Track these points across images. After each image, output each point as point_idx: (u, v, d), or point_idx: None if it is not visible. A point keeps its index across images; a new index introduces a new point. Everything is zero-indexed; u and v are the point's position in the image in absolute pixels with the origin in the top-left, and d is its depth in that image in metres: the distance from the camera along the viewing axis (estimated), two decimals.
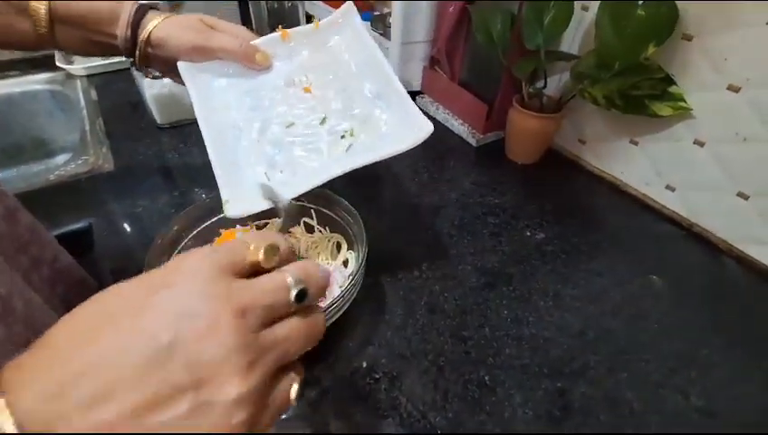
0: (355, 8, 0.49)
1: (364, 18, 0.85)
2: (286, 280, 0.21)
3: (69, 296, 0.43)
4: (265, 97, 0.46)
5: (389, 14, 0.80)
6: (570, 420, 0.38)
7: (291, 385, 0.22)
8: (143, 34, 0.43)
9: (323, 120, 0.45)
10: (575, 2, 0.59)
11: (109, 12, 0.43)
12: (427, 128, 0.43)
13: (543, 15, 0.58)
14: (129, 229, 0.54)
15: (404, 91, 0.46)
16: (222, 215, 0.47)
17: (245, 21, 1.09)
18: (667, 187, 0.59)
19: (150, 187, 0.61)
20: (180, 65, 0.44)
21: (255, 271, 0.22)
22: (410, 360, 0.42)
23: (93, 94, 0.81)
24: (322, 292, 0.24)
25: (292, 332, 0.21)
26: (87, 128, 0.72)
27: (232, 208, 0.40)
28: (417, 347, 0.43)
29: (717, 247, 0.56)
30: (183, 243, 0.44)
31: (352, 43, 0.49)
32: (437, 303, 0.47)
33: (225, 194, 0.41)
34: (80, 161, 0.65)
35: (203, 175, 0.63)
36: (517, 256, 0.53)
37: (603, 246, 0.56)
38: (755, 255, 0.53)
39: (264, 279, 0.21)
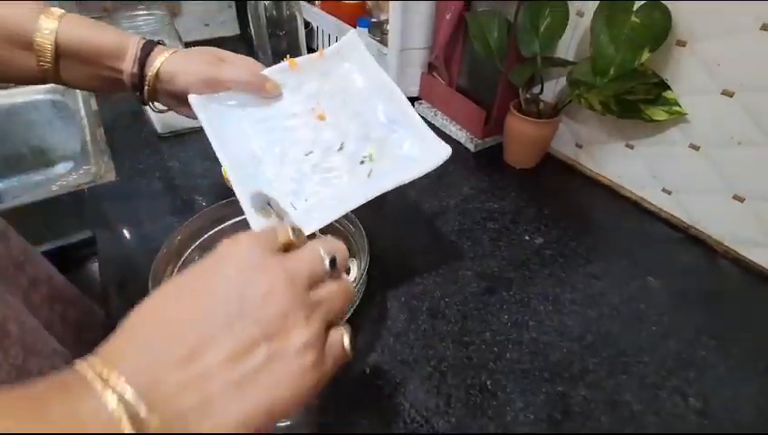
0: (357, 36, 0.50)
1: (362, 25, 0.86)
2: (319, 251, 0.25)
3: (67, 314, 0.43)
4: (280, 126, 0.46)
5: (387, 21, 0.81)
6: (570, 423, 0.39)
7: (342, 336, 0.25)
8: (152, 70, 0.43)
9: (342, 146, 0.45)
10: (570, 8, 0.59)
11: (116, 47, 0.42)
12: (446, 151, 0.44)
13: (539, 22, 0.59)
14: (132, 239, 0.55)
15: (416, 115, 0.47)
16: (226, 223, 0.48)
17: (243, 26, 1.09)
18: (664, 190, 0.60)
19: (152, 196, 0.61)
20: (192, 99, 0.43)
21: (287, 248, 0.25)
22: (413, 366, 0.42)
23: (93, 104, 0.81)
24: (346, 261, 0.27)
25: (331, 292, 0.25)
26: (88, 138, 0.73)
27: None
28: (420, 353, 0.43)
29: (714, 250, 0.56)
30: (187, 252, 0.45)
31: (361, 68, 0.49)
32: (439, 308, 0.48)
33: (254, 225, 0.40)
34: (81, 171, 0.65)
35: (204, 183, 0.64)
36: (517, 261, 0.54)
37: (601, 249, 0.56)
38: (751, 256, 0.54)
39: (301, 252, 0.25)
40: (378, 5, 0.93)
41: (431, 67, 0.79)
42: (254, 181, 0.42)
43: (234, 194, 0.50)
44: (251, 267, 0.22)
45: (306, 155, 0.45)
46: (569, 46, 0.64)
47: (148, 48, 0.43)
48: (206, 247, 0.47)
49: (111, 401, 0.17)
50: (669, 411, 0.40)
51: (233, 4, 1.09)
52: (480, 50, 0.64)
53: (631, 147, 0.62)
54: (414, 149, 0.45)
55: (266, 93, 0.46)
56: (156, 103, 0.47)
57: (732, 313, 0.49)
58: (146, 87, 0.44)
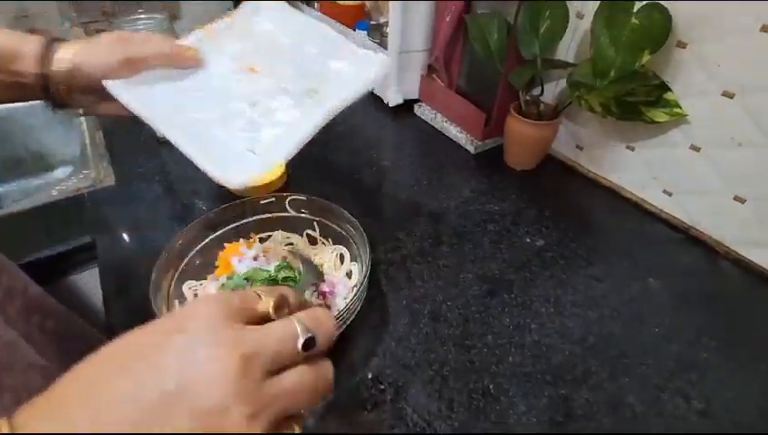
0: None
1: (361, 27, 0.86)
2: (295, 328, 0.22)
3: (46, 326, 0.43)
4: (212, 89, 0.44)
5: (386, 23, 0.81)
6: (573, 425, 0.39)
7: (294, 430, 0.22)
8: (57, 65, 0.38)
9: (285, 89, 0.45)
10: (570, 10, 0.59)
11: (10, 48, 0.38)
12: (381, 59, 0.45)
13: (539, 24, 0.59)
14: (132, 243, 0.55)
15: (345, 39, 0.47)
16: (226, 229, 0.48)
17: None
18: (664, 191, 0.60)
19: (152, 200, 0.61)
20: (109, 84, 0.39)
21: (266, 319, 0.22)
22: (415, 370, 0.42)
23: None
24: (331, 340, 0.24)
25: (295, 382, 0.21)
26: (87, 142, 0.73)
27: (231, 181, 0.37)
28: (422, 357, 0.43)
29: (714, 250, 0.56)
30: (188, 257, 0.45)
31: (277, 20, 0.49)
32: (440, 312, 0.48)
33: (216, 172, 0.37)
34: (81, 176, 0.65)
35: (204, 187, 0.64)
36: (517, 263, 0.54)
37: (601, 250, 0.56)
38: (752, 257, 0.54)
39: (273, 326, 0.22)
40: (377, 7, 0.93)
41: (431, 69, 0.79)
42: (207, 143, 0.40)
43: (235, 198, 0.50)
44: (206, 340, 0.20)
45: (252, 106, 0.43)
46: (569, 48, 0.64)
47: (52, 45, 0.39)
48: (207, 252, 0.47)
49: None
50: (672, 413, 0.40)
51: (232, 6, 1.09)
52: (480, 51, 0.64)
53: (632, 148, 0.62)
54: (352, 68, 0.45)
55: (189, 63, 0.44)
56: (70, 107, 0.43)
57: (733, 314, 0.49)
58: (55, 87, 0.39)
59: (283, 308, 0.23)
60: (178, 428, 0.18)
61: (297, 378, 0.21)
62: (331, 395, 0.26)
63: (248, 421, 0.19)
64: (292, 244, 0.50)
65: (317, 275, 0.43)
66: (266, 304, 0.22)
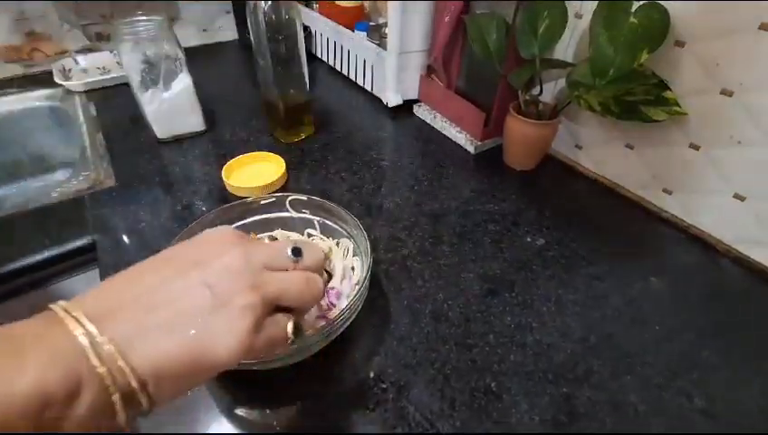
0: None
1: (360, 28, 0.86)
2: (285, 244, 0.29)
3: None
4: None
5: (385, 24, 0.81)
6: (576, 424, 0.39)
7: (287, 321, 0.27)
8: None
9: None
10: (569, 10, 0.60)
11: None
12: None
13: (538, 24, 0.59)
14: (132, 245, 0.55)
15: None
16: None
17: (242, 32, 1.09)
18: (664, 190, 0.60)
19: (152, 201, 0.61)
20: None
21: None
22: (416, 369, 0.42)
23: (92, 110, 0.81)
24: (317, 260, 0.30)
25: (286, 278, 0.27)
26: (87, 143, 0.73)
27: None
28: (423, 356, 0.43)
29: (715, 249, 0.56)
30: None
31: None
32: (442, 311, 0.48)
33: None
34: (81, 177, 0.65)
35: (204, 188, 0.64)
36: (518, 263, 0.54)
37: (602, 249, 0.56)
38: (753, 255, 0.54)
39: (267, 243, 0.29)
40: (376, 8, 0.94)
41: (430, 69, 0.80)
42: None
43: (235, 199, 0.50)
44: (222, 246, 0.26)
45: None
46: (567, 47, 0.64)
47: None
48: None
49: (72, 325, 0.21)
50: (674, 412, 0.40)
51: (231, 9, 1.09)
52: (479, 52, 0.64)
53: (631, 147, 0.62)
54: None
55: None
56: None
57: (734, 312, 0.49)
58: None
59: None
60: (199, 280, 0.24)
61: (286, 275, 0.27)
62: (319, 300, 0.30)
63: (251, 288, 0.25)
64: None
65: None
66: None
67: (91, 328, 0.21)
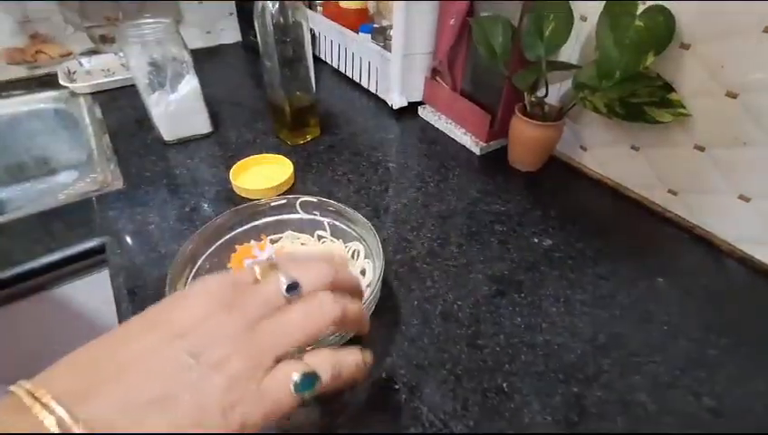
0: None
1: (364, 31, 0.86)
2: (279, 277, 0.24)
3: None
4: None
5: (389, 26, 0.82)
6: (587, 423, 0.39)
7: (289, 374, 0.22)
8: None
9: None
10: (574, 13, 0.60)
11: None
12: None
13: (544, 27, 0.60)
14: (141, 247, 0.55)
15: None
16: (236, 231, 0.48)
17: (245, 34, 1.10)
18: (669, 190, 0.61)
19: (160, 203, 0.61)
20: None
21: None
22: (428, 369, 0.43)
23: (98, 112, 0.81)
24: (319, 282, 0.25)
25: (281, 322, 0.23)
26: (93, 146, 0.73)
27: None
28: (434, 357, 0.44)
29: (720, 249, 0.57)
30: (201, 258, 0.45)
31: None
32: (451, 312, 0.48)
33: None
34: (88, 179, 0.65)
35: (212, 190, 0.64)
36: (526, 263, 0.54)
37: (608, 250, 0.57)
38: (757, 255, 0.54)
39: (262, 282, 0.25)
40: (379, 12, 0.94)
41: (434, 72, 0.80)
42: None
43: (244, 201, 0.50)
44: (204, 300, 0.23)
45: None
46: (572, 49, 0.64)
47: None
48: (217, 254, 0.47)
49: (41, 414, 0.18)
50: (683, 411, 0.40)
51: (234, 11, 1.10)
52: (484, 54, 0.64)
53: (636, 148, 0.62)
54: None
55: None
56: None
57: (739, 311, 0.50)
58: None
59: (267, 269, 0.25)
60: (181, 353, 0.21)
61: (280, 319, 0.23)
62: (335, 316, 0.25)
63: (239, 354, 0.22)
64: (303, 244, 0.50)
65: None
66: (251, 272, 0.25)
67: (62, 413, 0.18)
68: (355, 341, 0.43)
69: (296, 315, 0.24)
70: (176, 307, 0.23)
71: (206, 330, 0.22)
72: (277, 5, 0.61)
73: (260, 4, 0.62)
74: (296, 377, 0.22)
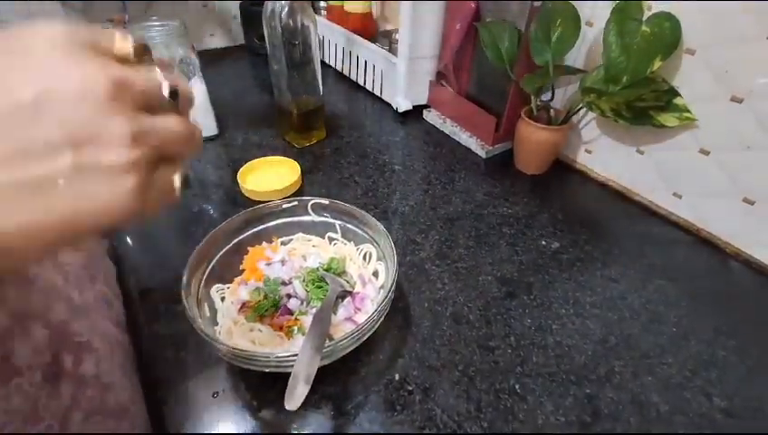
0: None
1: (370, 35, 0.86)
2: (159, 75, 0.21)
3: None
4: None
5: (394, 30, 0.82)
6: (600, 424, 0.39)
7: (174, 172, 0.22)
8: None
9: None
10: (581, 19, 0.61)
11: None
12: None
13: (551, 33, 0.60)
14: (149, 247, 0.55)
15: None
16: (249, 232, 0.48)
17: (248, 36, 1.10)
18: (674, 194, 0.61)
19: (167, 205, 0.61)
20: None
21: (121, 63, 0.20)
22: (441, 371, 0.43)
23: None
24: (191, 102, 0.23)
25: (168, 123, 0.21)
26: None
27: None
28: (447, 358, 0.44)
29: (725, 252, 0.58)
30: (214, 261, 0.45)
31: None
32: (462, 313, 0.48)
33: None
34: None
35: (219, 192, 0.64)
36: (534, 265, 0.55)
37: (615, 252, 0.57)
38: (762, 258, 0.55)
39: (137, 68, 0.20)
40: (384, 15, 0.95)
41: (439, 75, 0.81)
42: None
43: (251, 203, 0.50)
44: (62, 58, 0.17)
45: None
46: (578, 53, 0.65)
47: None
48: (229, 256, 0.47)
49: None
50: (696, 411, 0.41)
51: (238, 14, 1.10)
52: (492, 58, 0.65)
53: (641, 152, 0.63)
54: None
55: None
56: None
57: (746, 313, 0.50)
58: None
59: (143, 55, 0.21)
60: (48, 137, 0.17)
61: (169, 121, 0.21)
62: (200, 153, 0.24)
63: (130, 140, 0.18)
64: (314, 246, 0.50)
65: (341, 283, 0.45)
66: (125, 46, 0.20)
67: None
68: (365, 344, 0.43)
69: (180, 126, 0.21)
70: (14, 65, 0.17)
71: (75, 103, 0.17)
72: (286, 8, 0.62)
73: (269, 6, 0.62)
74: (178, 181, 0.22)
